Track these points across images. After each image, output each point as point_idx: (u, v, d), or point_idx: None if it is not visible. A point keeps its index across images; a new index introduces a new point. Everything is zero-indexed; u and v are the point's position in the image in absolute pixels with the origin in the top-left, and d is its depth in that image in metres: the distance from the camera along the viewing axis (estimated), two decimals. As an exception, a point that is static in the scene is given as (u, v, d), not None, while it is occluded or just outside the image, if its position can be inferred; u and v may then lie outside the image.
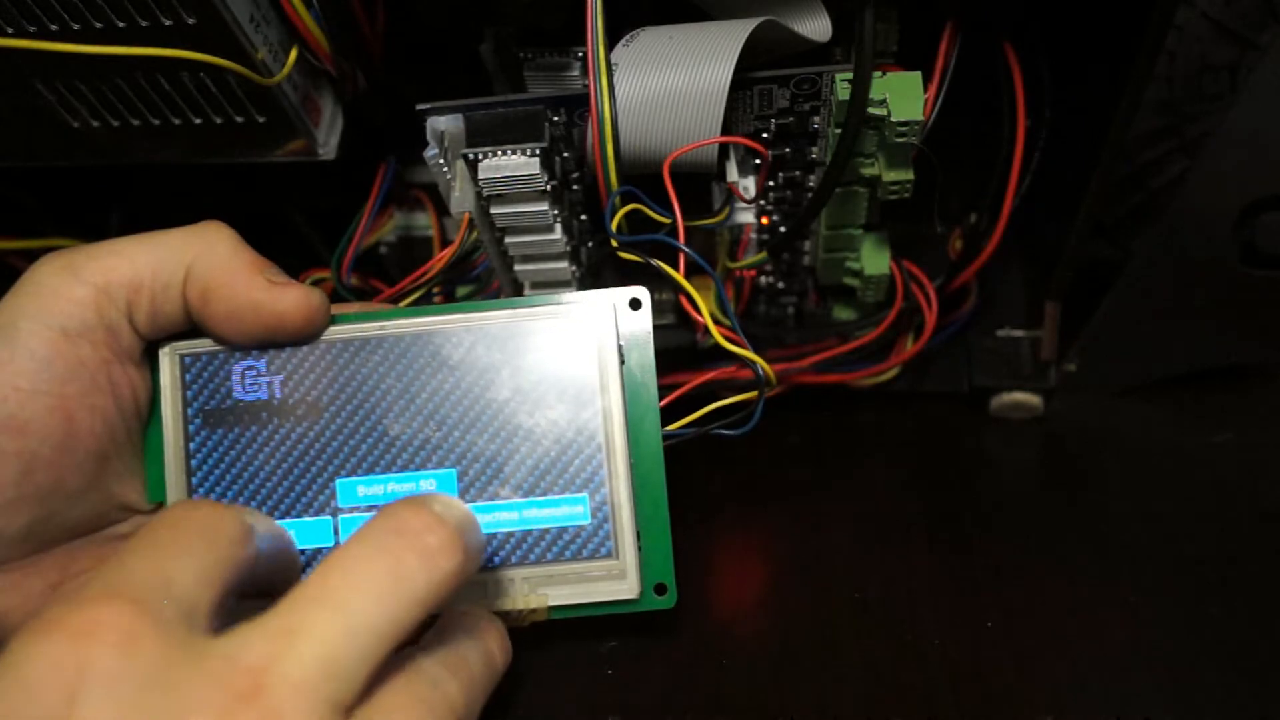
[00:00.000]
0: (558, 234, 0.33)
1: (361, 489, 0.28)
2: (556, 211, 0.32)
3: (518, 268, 0.35)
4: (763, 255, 0.35)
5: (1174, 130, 0.35)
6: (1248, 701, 0.28)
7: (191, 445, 0.28)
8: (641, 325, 0.28)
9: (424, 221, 0.40)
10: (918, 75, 0.29)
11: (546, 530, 0.27)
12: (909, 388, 0.42)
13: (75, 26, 0.28)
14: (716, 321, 0.29)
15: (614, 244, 0.30)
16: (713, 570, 0.34)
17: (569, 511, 0.27)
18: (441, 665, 0.23)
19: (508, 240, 0.33)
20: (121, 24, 0.28)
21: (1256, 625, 0.30)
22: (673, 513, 0.28)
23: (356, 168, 0.36)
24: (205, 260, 0.26)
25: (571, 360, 0.28)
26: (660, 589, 0.28)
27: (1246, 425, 0.39)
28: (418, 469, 0.28)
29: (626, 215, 0.30)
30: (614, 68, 0.28)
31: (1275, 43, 0.33)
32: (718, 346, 0.32)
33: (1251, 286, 0.36)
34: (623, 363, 0.28)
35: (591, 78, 0.28)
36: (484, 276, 0.35)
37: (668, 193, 0.29)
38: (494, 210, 0.32)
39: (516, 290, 0.36)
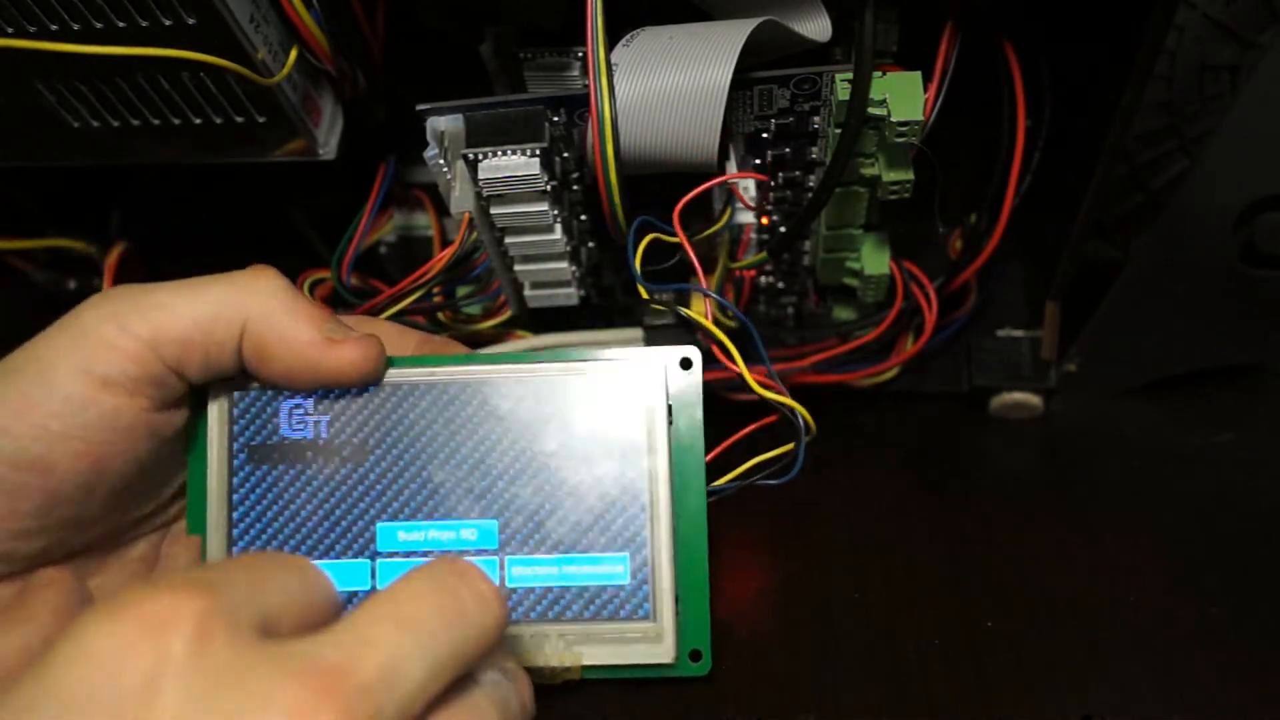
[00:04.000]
0: (558, 234, 0.33)
1: (402, 534, 0.27)
2: (556, 211, 0.32)
3: (518, 268, 0.35)
4: (763, 255, 0.35)
5: (1174, 130, 0.35)
6: (1248, 702, 0.28)
7: (235, 479, 0.28)
8: (692, 385, 0.28)
9: (424, 221, 0.40)
10: (918, 75, 0.29)
11: (585, 588, 0.27)
12: (909, 388, 0.42)
13: (75, 27, 0.28)
14: (751, 365, 0.29)
15: (642, 293, 0.29)
16: (711, 566, 0.34)
17: (609, 570, 0.27)
18: (487, 697, 0.23)
19: (508, 240, 0.33)
20: (122, 24, 0.28)
21: (1257, 626, 0.30)
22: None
23: (356, 167, 0.36)
24: (262, 319, 0.26)
25: (621, 418, 0.27)
26: (695, 655, 0.27)
27: (1247, 425, 0.39)
28: (460, 518, 0.27)
29: (626, 216, 0.30)
30: (614, 68, 0.28)
31: (1275, 43, 0.33)
32: (720, 348, 0.32)
33: (1251, 286, 0.36)
34: (671, 423, 0.28)
35: (591, 78, 0.28)
36: (484, 276, 0.35)
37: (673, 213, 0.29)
38: (494, 210, 0.32)
39: (516, 290, 0.36)
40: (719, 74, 0.28)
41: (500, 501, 0.27)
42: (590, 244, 0.36)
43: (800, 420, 0.28)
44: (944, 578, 0.33)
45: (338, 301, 0.37)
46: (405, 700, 0.19)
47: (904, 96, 0.29)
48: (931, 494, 0.37)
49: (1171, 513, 0.35)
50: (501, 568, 0.27)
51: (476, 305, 0.38)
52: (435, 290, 0.34)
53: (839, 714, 0.29)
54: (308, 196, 0.40)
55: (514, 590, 0.27)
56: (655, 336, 0.37)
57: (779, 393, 0.28)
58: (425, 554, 0.27)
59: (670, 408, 0.28)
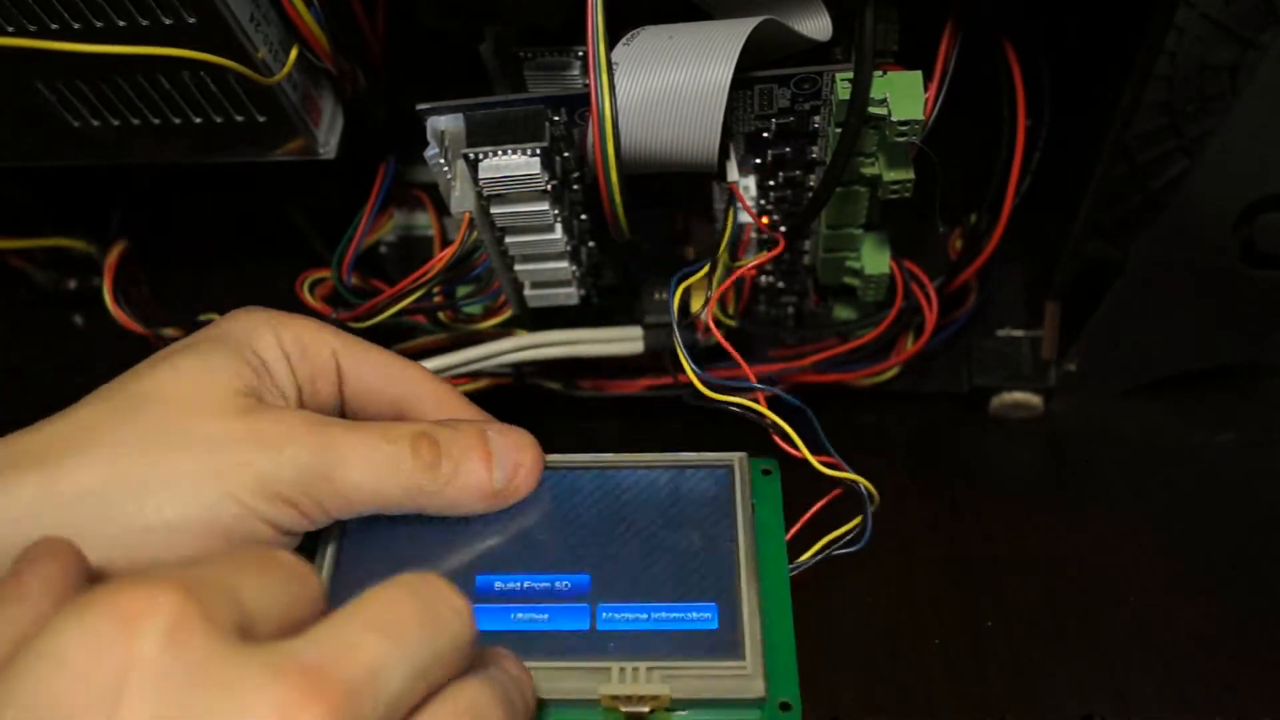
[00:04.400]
0: (558, 234, 0.33)
1: (499, 584, 0.28)
2: (557, 211, 0.32)
3: (518, 267, 0.35)
4: (764, 255, 0.35)
5: (1174, 130, 0.35)
6: (1248, 702, 0.28)
7: (346, 527, 0.29)
8: (772, 488, 0.30)
9: (424, 221, 0.40)
10: (918, 74, 0.29)
11: (674, 632, 0.27)
12: (909, 387, 0.42)
13: (76, 26, 0.28)
14: (817, 451, 0.30)
15: (704, 390, 0.30)
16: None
17: (698, 617, 0.27)
18: (488, 691, 0.22)
19: (508, 240, 0.33)
20: (122, 23, 0.28)
21: (1257, 626, 0.30)
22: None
23: (357, 167, 0.36)
24: (447, 507, 0.27)
25: (711, 497, 0.30)
26: (785, 706, 0.27)
27: (1247, 425, 0.39)
28: (555, 571, 0.28)
29: (629, 215, 0.30)
30: (614, 67, 0.28)
31: (1275, 43, 0.33)
32: (717, 347, 0.32)
33: (1251, 286, 0.36)
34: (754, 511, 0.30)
35: (592, 77, 0.28)
36: (484, 276, 0.35)
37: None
38: (494, 210, 0.32)
39: (516, 289, 0.36)
40: (720, 73, 0.28)
41: (594, 557, 0.29)
42: (590, 243, 0.36)
43: (864, 491, 0.30)
44: (944, 578, 0.33)
45: (338, 301, 0.37)
46: (390, 703, 0.19)
47: (905, 96, 0.29)
48: (932, 494, 0.37)
49: (1172, 512, 0.35)
50: (593, 614, 0.28)
51: (477, 305, 0.38)
52: (435, 290, 0.34)
53: (839, 714, 0.29)
54: (308, 196, 0.40)
55: (604, 634, 0.27)
56: (654, 335, 0.37)
57: (840, 468, 0.30)
58: (521, 601, 0.28)
59: (753, 500, 0.30)
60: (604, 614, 0.27)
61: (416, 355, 0.40)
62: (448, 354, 0.37)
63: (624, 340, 0.37)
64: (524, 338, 0.37)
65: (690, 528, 0.29)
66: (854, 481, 0.30)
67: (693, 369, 0.30)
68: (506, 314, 0.38)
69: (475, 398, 0.40)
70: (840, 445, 0.40)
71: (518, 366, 0.40)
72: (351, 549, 0.28)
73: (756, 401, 0.30)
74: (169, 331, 0.44)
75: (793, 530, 0.30)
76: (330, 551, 0.28)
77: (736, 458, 0.30)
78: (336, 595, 0.26)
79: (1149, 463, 0.38)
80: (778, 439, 0.30)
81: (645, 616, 0.27)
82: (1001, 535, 0.35)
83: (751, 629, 0.27)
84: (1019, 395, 0.40)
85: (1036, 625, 0.31)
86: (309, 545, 0.28)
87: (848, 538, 0.30)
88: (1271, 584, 0.32)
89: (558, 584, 0.28)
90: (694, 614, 0.27)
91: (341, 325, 0.35)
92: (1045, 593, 0.32)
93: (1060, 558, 0.33)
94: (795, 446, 0.29)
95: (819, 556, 0.30)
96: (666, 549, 0.29)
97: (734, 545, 0.28)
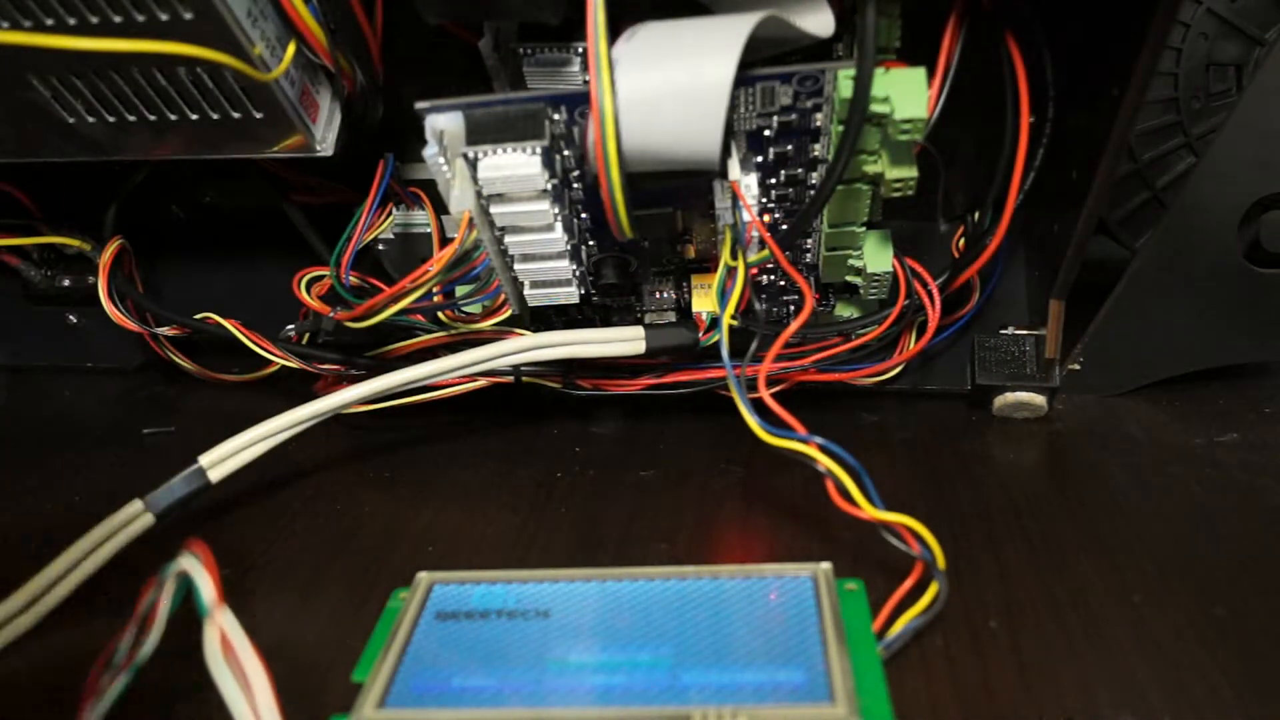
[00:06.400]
0: (558, 233, 0.33)
1: (575, 657, 0.28)
2: (557, 210, 0.32)
3: (518, 266, 0.34)
4: (765, 254, 0.35)
5: (1179, 127, 0.35)
6: (1253, 704, 0.28)
7: (417, 632, 0.29)
8: (861, 604, 0.30)
9: (423, 218, 0.40)
10: (921, 71, 0.29)
11: (761, 685, 0.27)
12: (911, 387, 0.42)
13: (71, 21, 0.28)
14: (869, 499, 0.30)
15: (766, 438, 0.30)
16: (710, 556, 0.34)
17: (785, 677, 0.27)
18: None
19: (508, 239, 0.33)
20: (118, 19, 0.27)
21: (1262, 627, 0.30)
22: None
23: (355, 164, 0.36)
24: None
25: (794, 600, 0.30)
26: None
27: (1252, 425, 0.39)
28: (635, 649, 0.28)
29: (630, 214, 0.30)
30: (615, 63, 0.28)
31: (1281, 39, 0.32)
32: (717, 346, 0.32)
33: (1257, 285, 0.35)
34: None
35: (593, 74, 0.27)
36: (484, 276, 0.35)
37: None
38: (494, 209, 0.31)
39: (516, 289, 0.36)
40: (723, 69, 0.27)
41: (675, 630, 0.29)
42: (590, 243, 0.36)
43: (930, 557, 0.30)
44: (946, 577, 0.33)
45: (337, 300, 0.37)
46: None
47: (907, 93, 0.29)
48: (933, 494, 0.37)
49: (1175, 512, 0.35)
50: (673, 674, 0.28)
51: (476, 304, 0.38)
52: (435, 289, 0.34)
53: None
54: (305, 193, 0.40)
55: (687, 687, 0.27)
56: (656, 334, 0.37)
57: (898, 531, 0.30)
58: (598, 672, 0.28)
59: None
60: (686, 675, 0.27)
61: (416, 355, 0.40)
62: (448, 356, 0.37)
63: (625, 340, 0.37)
64: (524, 338, 0.37)
65: (777, 612, 0.29)
66: (919, 554, 0.30)
67: (753, 416, 0.30)
68: (506, 313, 0.38)
69: (475, 397, 0.40)
70: (841, 444, 0.40)
71: (517, 366, 0.40)
72: (420, 637, 0.29)
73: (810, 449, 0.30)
74: (165, 330, 0.44)
75: (879, 621, 0.30)
76: (396, 648, 0.28)
77: (821, 571, 0.30)
78: (404, 686, 0.27)
79: (1153, 463, 0.38)
80: (832, 488, 0.30)
81: (729, 679, 0.27)
82: (1004, 535, 0.34)
83: (845, 683, 0.27)
84: (1022, 394, 0.40)
85: (1040, 626, 0.31)
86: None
87: (931, 610, 0.30)
88: (1276, 584, 0.32)
89: (638, 654, 0.28)
90: (781, 674, 0.27)
91: (339, 324, 0.35)
92: (1048, 593, 0.32)
93: (1063, 557, 0.33)
94: (853, 501, 0.30)
95: (907, 634, 0.30)
96: (748, 630, 0.29)
97: (819, 620, 0.29)
